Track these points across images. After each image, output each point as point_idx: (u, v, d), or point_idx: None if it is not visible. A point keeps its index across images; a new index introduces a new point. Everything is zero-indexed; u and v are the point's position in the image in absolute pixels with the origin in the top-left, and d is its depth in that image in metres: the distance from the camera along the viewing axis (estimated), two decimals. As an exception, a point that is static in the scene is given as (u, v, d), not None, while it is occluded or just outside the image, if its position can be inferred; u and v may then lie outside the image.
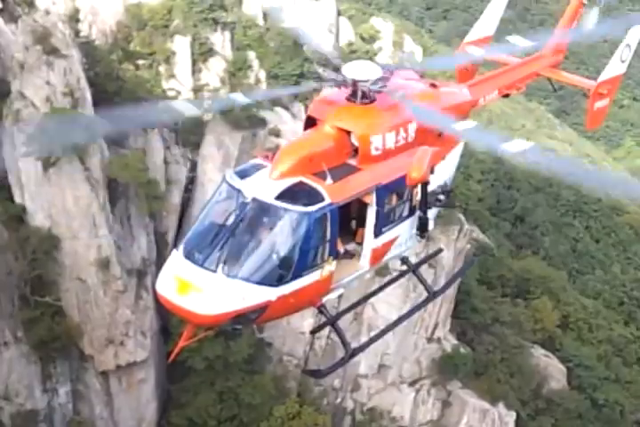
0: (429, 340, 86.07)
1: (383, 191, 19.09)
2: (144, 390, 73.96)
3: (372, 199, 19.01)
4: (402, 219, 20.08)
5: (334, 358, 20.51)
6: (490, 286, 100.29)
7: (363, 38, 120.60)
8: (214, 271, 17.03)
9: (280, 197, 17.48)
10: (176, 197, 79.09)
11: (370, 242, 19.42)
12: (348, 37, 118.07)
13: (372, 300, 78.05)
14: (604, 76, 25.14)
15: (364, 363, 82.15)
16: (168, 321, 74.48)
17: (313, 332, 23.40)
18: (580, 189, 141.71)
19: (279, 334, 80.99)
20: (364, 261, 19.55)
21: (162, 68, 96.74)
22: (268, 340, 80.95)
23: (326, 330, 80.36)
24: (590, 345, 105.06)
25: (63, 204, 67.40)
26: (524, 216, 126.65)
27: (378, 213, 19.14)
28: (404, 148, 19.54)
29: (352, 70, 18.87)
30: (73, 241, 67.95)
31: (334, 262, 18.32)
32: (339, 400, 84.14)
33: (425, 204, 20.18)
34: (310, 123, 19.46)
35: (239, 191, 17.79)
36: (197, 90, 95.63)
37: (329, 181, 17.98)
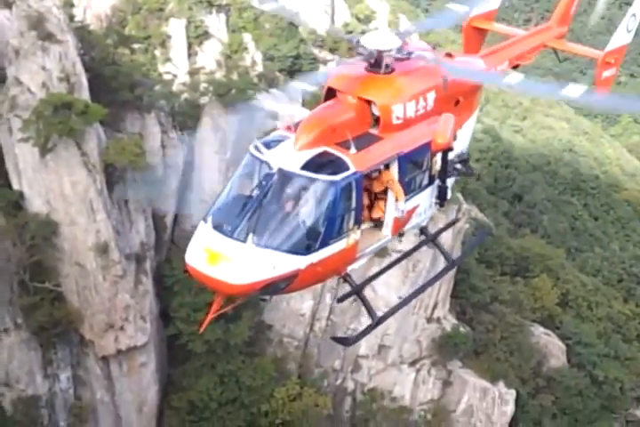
0: (429, 320, 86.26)
1: (404, 160, 19.32)
2: (145, 375, 74.15)
3: (393, 168, 19.28)
4: (422, 188, 20.36)
5: (334, 340, 22.10)
6: (489, 264, 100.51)
7: (358, 19, 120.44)
8: (244, 241, 17.09)
9: (306, 166, 17.63)
10: (174, 181, 79.06)
11: (392, 211, 19.64)
12: (343, 18, 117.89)
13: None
14: (611, 45, 25.10)
15: (364, 344, 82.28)
16: (168, 305, 74.76)
17: (340, 300, 23.81)
18: (578, 167, 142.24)
19: (279, 316, 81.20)
20: (387, 231, 19.82)
21: (157, 52, 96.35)
22: (269, 322, 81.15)
23: (326, 311, 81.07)
24: (590, 322, 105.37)
25: (60, 189, 67.32)
26: (522, 195, 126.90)
27: (399, 181, 19.36)
28: (423, 116, 19.78)
29: (374, 41, 19.03)
30: (71, 226, 67.96)
31: (359, 231, 18.55)
32: (339, 381, 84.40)
33: (445, 172, 20.39)
34: (330, 94, 19.63)
35: (265, 162, 17.98)
36: (193, 73, 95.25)
37: (353, 150, 18.13)
